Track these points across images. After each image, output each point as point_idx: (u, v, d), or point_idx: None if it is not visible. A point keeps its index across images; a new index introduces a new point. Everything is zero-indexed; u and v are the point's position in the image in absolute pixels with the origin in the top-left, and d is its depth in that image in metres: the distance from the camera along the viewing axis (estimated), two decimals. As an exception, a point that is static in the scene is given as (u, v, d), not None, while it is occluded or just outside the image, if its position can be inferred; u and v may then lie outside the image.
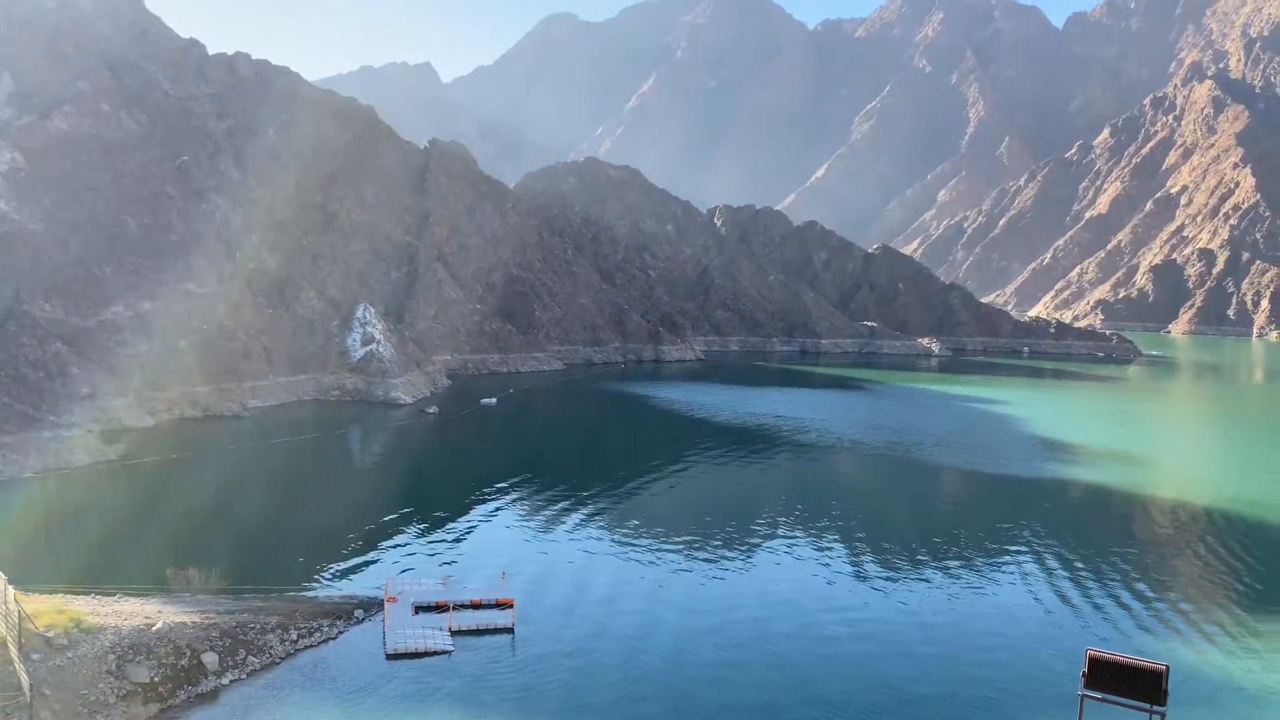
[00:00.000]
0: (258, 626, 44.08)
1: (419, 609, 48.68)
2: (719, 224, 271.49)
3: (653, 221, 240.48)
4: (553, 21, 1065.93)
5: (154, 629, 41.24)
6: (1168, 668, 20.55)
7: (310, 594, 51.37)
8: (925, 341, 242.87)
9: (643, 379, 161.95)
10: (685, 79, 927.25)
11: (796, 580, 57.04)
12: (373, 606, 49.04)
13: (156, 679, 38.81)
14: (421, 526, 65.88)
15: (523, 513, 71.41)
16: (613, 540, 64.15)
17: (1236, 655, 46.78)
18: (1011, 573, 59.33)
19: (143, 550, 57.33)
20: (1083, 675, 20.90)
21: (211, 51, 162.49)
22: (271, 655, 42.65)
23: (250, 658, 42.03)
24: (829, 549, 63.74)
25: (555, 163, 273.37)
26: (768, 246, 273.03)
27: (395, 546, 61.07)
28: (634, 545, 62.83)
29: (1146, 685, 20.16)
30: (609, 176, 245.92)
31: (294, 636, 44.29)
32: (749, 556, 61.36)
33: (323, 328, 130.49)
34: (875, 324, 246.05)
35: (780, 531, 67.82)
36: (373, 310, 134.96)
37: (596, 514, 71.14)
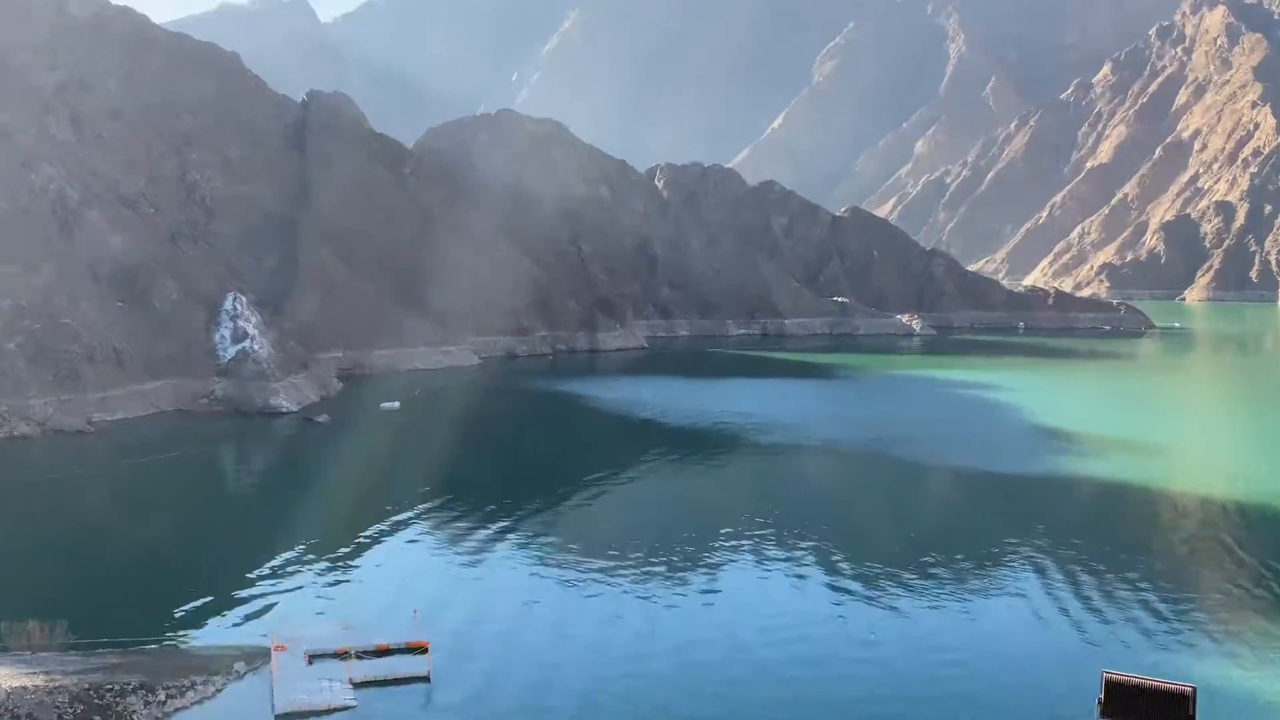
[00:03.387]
0: (116, 688, 43.26)
1: (314, 658, 48.21)
2: (661, 186, 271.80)
3: (582, 185, 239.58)
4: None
5: (-13, 697, 40.27)
6: (1195, 689, 21.08)
7: (180, 646, 50.63)
8: (905, 319, 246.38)
9: (576, 373, 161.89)
10: (614, 16, 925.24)
11: (766, 608, 57.53)
12: (257, 658, 48.39)
13: (-8, 758, 37.97)
14: (315, 560, 65.18)
15: (438, 540, 71.03)
16: (546, 570, 64.09)
17: (1267, 673, 48.11)
18: (1014, 587, 60.52)
19: (-31, 601, 55.86)
20: (1098, 701, 21.41)
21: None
22: (135, 722, 41.88)
23: (108, 726, 41.26)
24: (804, 570, 64.37)
25: (462, 117, 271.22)
26: (720, 211, 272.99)
27: (284, 585, 60.35)
28: (572, 575, 62.81)
29: (1171, 710, 20.70)
30: (528, 132, 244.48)
31: (161, 698, 43.56)
32: (710, 584, 61.69)
33: (185, 323, 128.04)
34: (847, 300, 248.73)
35: (746, 553, 68.37)
36: (245, 300, 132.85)
37: (526, 539, 71.00)
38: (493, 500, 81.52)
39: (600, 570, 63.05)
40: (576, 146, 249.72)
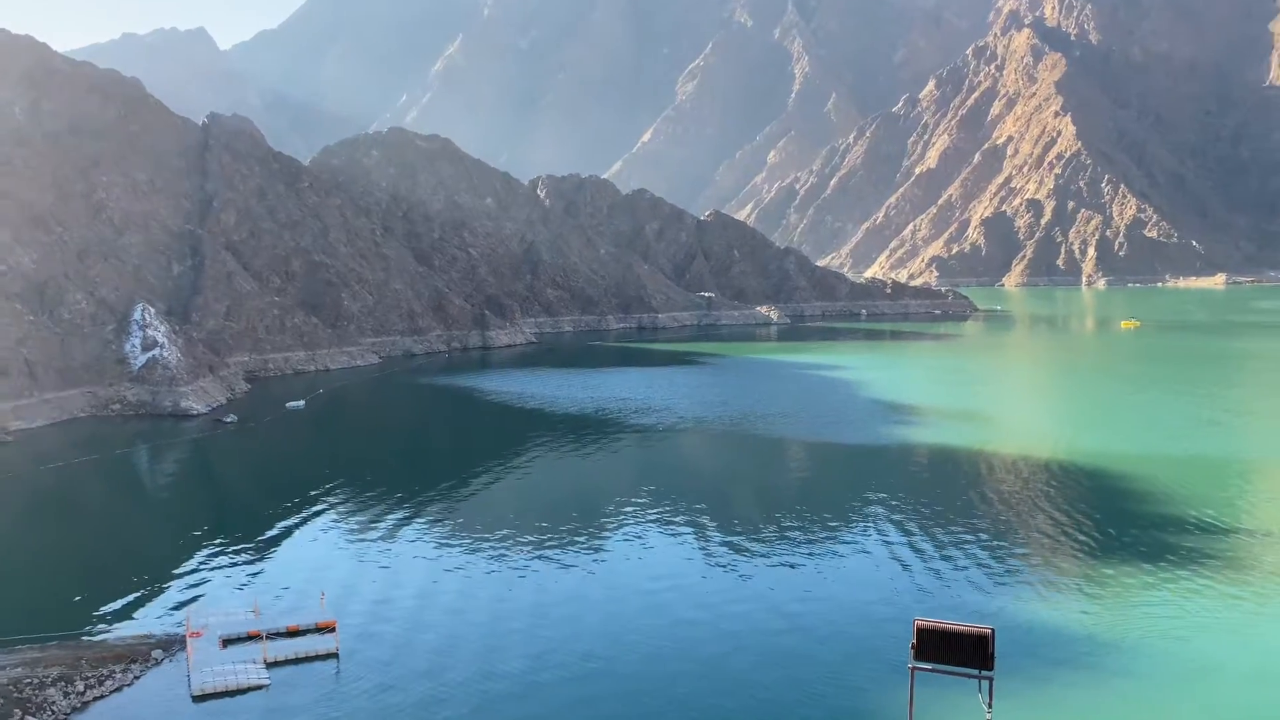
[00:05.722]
0: (35, 681, 41.53)
1: (228, 642, 47.09)
2: (543, 196, 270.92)
3: (470, 196, 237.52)
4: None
5: (-93, 697, 38.26)
6: (993, 631, 21.81)
7: (98, 638, 48.76)
8: (764, 310, 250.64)
9: (470, 369, 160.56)
10: (495, 40, 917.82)
11: (643, 571, 58.04)
12: (173, 645, 47.03)
13: (-86, 755, 36.11)
14: (226, 551, 63.40)
15: (343, 526, 69.75)
16: (447, 547, 63.52)
17: (1070, 609, 50.52)
18: (854, 545, 62.17)
19: (-112, 607, 52.99)
20: (912, 647, 22.03)
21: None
22: (54, 712, 40.25)
23: (28, 718, 39.54)
24: (674, 535, 65.13)
25: (355, 135, 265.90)
26: (596, 218, 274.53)
27: (197, 576, 58.54)
28: (471, 551, 62.44)
29: (973, 651, 21.37)
30: (417, 148, 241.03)
31: (80, 688, 41.95)
32: (596, 551, 61.97)
33: (96, 334, 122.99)
34: (712, 294, 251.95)
35: (626, 521, 68.84)
36: (153, 310, 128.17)
37: (427, 521, 70.25)
38: (395, 488, 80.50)
39: (495, 547, 62.77)
40: (463, 160, 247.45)
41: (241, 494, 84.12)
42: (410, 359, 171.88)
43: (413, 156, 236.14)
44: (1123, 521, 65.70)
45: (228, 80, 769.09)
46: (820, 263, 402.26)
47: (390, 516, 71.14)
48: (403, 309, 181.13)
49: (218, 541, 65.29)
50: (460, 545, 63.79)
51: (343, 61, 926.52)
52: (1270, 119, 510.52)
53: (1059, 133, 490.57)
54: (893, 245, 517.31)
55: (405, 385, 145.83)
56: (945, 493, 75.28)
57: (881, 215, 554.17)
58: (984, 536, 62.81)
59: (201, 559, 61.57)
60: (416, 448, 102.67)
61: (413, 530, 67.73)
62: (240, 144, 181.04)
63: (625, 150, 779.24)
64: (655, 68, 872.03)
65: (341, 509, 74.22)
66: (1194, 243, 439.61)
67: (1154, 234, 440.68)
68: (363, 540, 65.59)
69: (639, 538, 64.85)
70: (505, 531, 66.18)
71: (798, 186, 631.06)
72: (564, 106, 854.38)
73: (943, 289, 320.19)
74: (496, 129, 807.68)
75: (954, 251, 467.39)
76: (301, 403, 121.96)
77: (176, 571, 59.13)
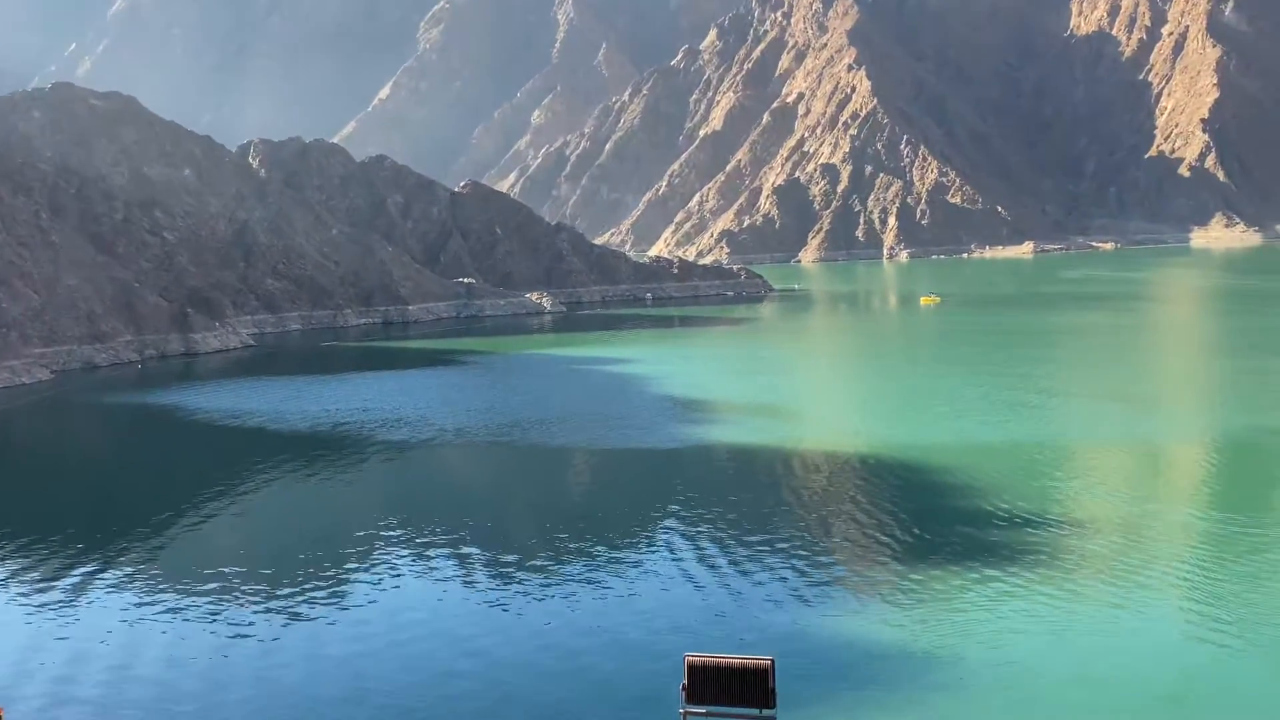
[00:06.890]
0: None
1: None
2: (256, 165, 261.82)
3: (163, 166, 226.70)
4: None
5: None
6: (773, 662, 22.04)
7: None
8: (534, 297, 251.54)
9: (170, 382, 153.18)
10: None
11: (394, 617, 56.64)
12: None
13: None
14: None
15: (9, 590, 64.59)
16: (146, 608, 59.84)
17: (873, 623, 51.68)
18: (637, 567, 62.16)
19: None
20: (683, 688, 22.08)
21: None
22: None
23: None
24: (431, 571, 63.97)
25: (10, 93, 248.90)
26: (326, 191, 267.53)
27: None
28: (177, 609, 59.13)
29: (751, 685, 21.61)
30: (92, 108, 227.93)
31: None
32: (335, 597, 60.15)
33: None
34: (473, 280, 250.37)
35: (370, 558, 66.97)
36: None
37: (120, 576, 65.92)
38: (76, 539, 74.97)
39: (208, 603, 59.68)
40: (152, 123, 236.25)
41: None
42: (93, 372, 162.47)
43: (86, 119, 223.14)
44: (933, 520, 69.38)
45: None
46: (598, 240, 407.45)
47: (71, 574, 66.25)
48: (80, 310, 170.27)
49: None
50: (163, 604, 60.41)
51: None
52: (1072, 72, 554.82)
53: (853, 89, 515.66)
54: (678, 218, 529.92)
55: (87, 406, 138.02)
56: (741, 499, 77.51)
57: (664, 184, 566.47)
58: (780, 547, 64.49)
59: None
60: (104, 486, 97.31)
61: (101, 589, 63.52)
62: None
63: (359, 109, 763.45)
64: (391, 9, 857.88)
65: (7, 568, 69.00)
66: (999, 209, 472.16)
67: (957, 199, 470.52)
68: (36, 606, 61.01)
69: (387, 577, 63.35)
70: (220, 583, 63.06)
71: (568, 152, 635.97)
72: (280, 56, 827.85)
73: (735, 268, 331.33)
74: (194, 85, 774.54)
75: (745, 225, 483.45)
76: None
77: None
